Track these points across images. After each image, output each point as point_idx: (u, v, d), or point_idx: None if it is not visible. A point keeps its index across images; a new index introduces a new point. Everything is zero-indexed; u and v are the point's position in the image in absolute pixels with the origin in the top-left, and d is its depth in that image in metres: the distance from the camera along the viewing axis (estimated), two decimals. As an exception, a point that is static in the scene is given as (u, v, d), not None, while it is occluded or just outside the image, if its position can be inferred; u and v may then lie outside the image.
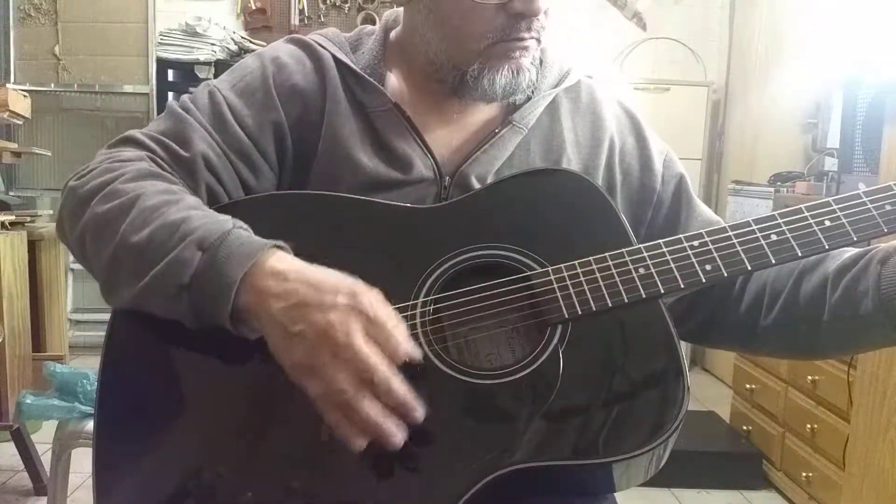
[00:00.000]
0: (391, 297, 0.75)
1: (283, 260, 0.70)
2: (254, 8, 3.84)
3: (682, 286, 0.75)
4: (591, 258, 0.77)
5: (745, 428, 2.65)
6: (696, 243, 0.77)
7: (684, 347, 0.77)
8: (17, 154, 2.78)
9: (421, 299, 0.76)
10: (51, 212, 2.90)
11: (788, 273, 0.84)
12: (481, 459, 0.68)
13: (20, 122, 2.77)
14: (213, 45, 3.57)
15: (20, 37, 3.88)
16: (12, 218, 2.36)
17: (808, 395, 2.27)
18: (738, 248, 0.76)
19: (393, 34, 0.93)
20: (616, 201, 0.87)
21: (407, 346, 0.66)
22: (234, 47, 3.64)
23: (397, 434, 0.65)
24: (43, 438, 2.33)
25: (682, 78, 3.88)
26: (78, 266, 3.80)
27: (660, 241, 0.78)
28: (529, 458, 0.69)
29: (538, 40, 0.83)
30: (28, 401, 1.78)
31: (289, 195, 0.86)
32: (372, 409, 0.64)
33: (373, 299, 0.67)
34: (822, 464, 2.17)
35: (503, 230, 0.81)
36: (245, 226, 0.73)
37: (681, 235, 0.78)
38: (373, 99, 0.87)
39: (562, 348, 0.74)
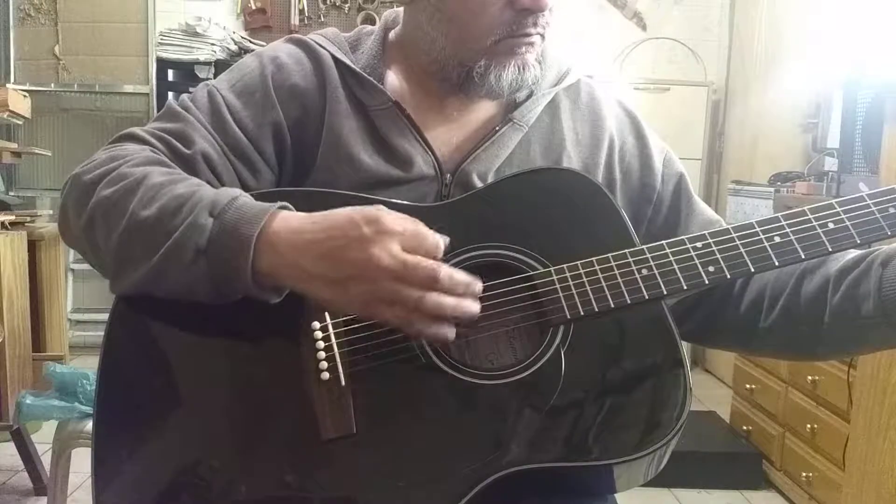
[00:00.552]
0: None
1: (291, 216, 0.72)
2: (254, 8, 3.83)
3: (685, 287, 0.75)
4: (593, 258, 0.77)
5: (745, 428, 2.64)
6: (699, 244, 0.77)
7: (685, 348, 0.77)
8: (17, 154, 2.78)
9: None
10: (51, 212, 2.90)
11: (789, 274, 0.84)
12: (482, 460, 0.68)
13: (20, 122, 2.77)
14: (213, 45, 3.57)
15: (20, 37, 3.88)
16: (12, 218, 2.36)
17: (808, 395, 2.27)
18: (742, 250, 0.76)
19: (393, 34, 0.93)
20: (616, 201, 0.87)
21: (438, 240, 0.70)
22: (234, 47, 3.64)
23: (476, 306, 0.70)
24: (43, 438, 2.33)
25: (682, 78, 3.88)
26: (78, 266, 3.80)
27: (663, 241, 0.78)
28: (530, 458, 0.69)
29: (543, 36, 0.83)
30: (28, 401, 1.77)
31: (289, 192, 0.86)
32: (450, 299, 0.68)
33: (390, 216, 0.69)
34: (822, 464, 2.17)
35: (505, 229, 0.81)
36: (249, 196, 0.75)
37: (684, 237, 0.78)
38: (372, 97, 0.87)
39: (563, 349, 0.74)
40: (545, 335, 0.75)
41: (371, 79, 0.87)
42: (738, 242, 0.76)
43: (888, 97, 1.95)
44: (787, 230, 0.75)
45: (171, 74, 3.76)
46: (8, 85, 3.52)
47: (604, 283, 0.75)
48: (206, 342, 0.75)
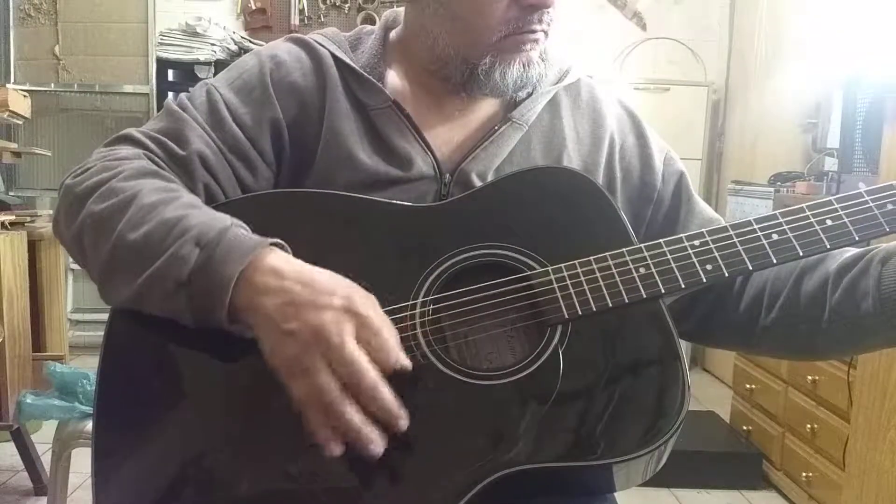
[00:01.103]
0: (391, 296, 0.75)
1: (280, 258, 0.70)
2: (254, 8, 3.84)
3: (683, 286, 0.75)
4: (591, 258, 0.77)
5: (745, 428, 2.64)
6: (696, 243, 0.76)
7: (684, 347, 0.77)
8: (17, 154, 2.78)
9: (420, 299, 0.76)
10: (51, 212, 2.90)
11: (788, 273, 0.84)
12: (481, 460, 0.68)
13: (20, 122, 2.77)
14: (213, 45, 3.58)
15: (20, 37, 3.88)
16: (12, 218, 2.36)
17: (808, 395, 2.26)
18: (740, 248, 0.75)
19: (393, 33, 0.93)
20: (616, 199, 0.87)
21: (398, 355, 0.66)
22: (234, 47, 3.64)
23: (377, 442, 0.65)
24: (43, 438, 2.33)
25: (682, 78, 3.88)
26: (78, 266, 3.80)
27: (660, 240, 0.78)
28: (529, 458, 0.68)
29: (547, 33, 0.83)
30: (28, 401, 1.77)
31: (288, 193, 0.86)
32: (354, 414, 0.64)
33: (368, 304, 0.67)
34: (822, 464, 2.17)
35: (503, 229, 0.81)
36: (243, 224, 0.73)
37: (681, 235, 0.78)
38: (372, 97, 0.87)
39: (562, 348, 0.74)
40: (543, 335, 0.75)
41: (371, 78, 0.87)
42: (735, 240, 0.76)
43: (888, 97, 1.94)
44: (785, 227, 0.75)
45: (171, 74, 3.77)
46: (8, 85, 3.53)
47: (602, 283, 0.75)
48: (205, 342, 0.75)
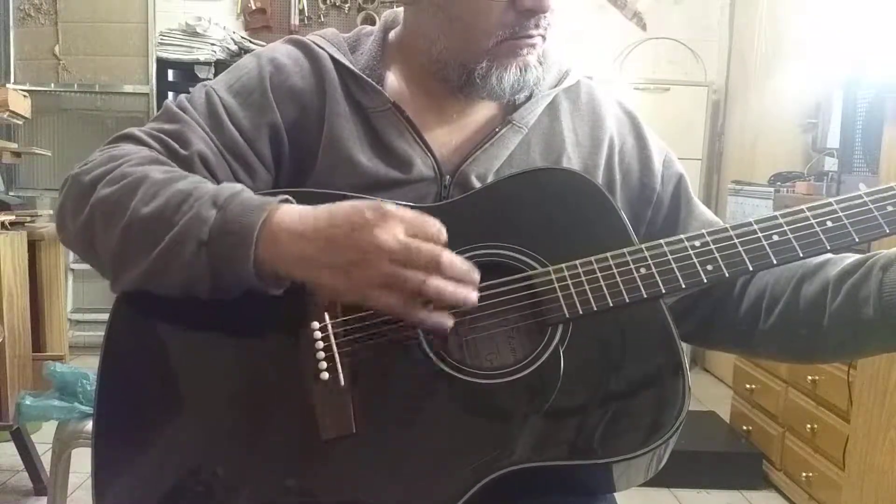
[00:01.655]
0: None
1: (294, 206, 0.72)
2: (254, 8, 3.84)
3: (684, 286, 0.75)
4: (592, 258, 0.77)
5: (745, 428, 2.65)
6: (697, 243, 0.77)
7: (684, 347, 0.77)
8: (17, 154, 2.78)
9: (421, 299, 0.76)
10: (51, 212, 2.90)
11: (789, 277, 0.84)
12: (481, 459, 0.68)
13: (20, 122, 2.77)
14: (213, 45, 3.58)
15: (20, 37, 3.88)
16: (12, 218, 2.36)
17: (808, 395, 2.27)
18: (740, 249, 0.75)
19: (392, 34, 0.93)
20: (616, 201, 0.87)
21: (441, 227, 0.70)
22: (234, 47, 3.64)
23: (474, 295, 0.69)
24: (43, 438, 2.33)
25: (682, 78, 3.88)
26: (78, 266, 3.80)
27: (661, 240, 0.78)
28: (529, 458, 0.69)
29: (544, 38, 0.83)
30: (28, 402, 1.77)
31: (291, 192, 0.86)
32: (451, 285, 0.68)
33: (390, 204, 0.69)
34: (822, 464, 2.17)
35: (504, 229, 0.81)
36: (251, 191, 0.75)
37: (682, 235, 0.78)
38: (371, 99, 0.87)
39: (562, 348, 0.74)
40: (544, 335, 0.75)
41: (370, 80, 0.87)
42: (736, 241, 0.76)
43: (888, 97, 1.94)
44: (786, 228, 0.75)
45: (171, 74, 3.77)
46: (8, 85, 3.53)
47: (602, 283, 0.75)
48: (205, 343, 0.75)
